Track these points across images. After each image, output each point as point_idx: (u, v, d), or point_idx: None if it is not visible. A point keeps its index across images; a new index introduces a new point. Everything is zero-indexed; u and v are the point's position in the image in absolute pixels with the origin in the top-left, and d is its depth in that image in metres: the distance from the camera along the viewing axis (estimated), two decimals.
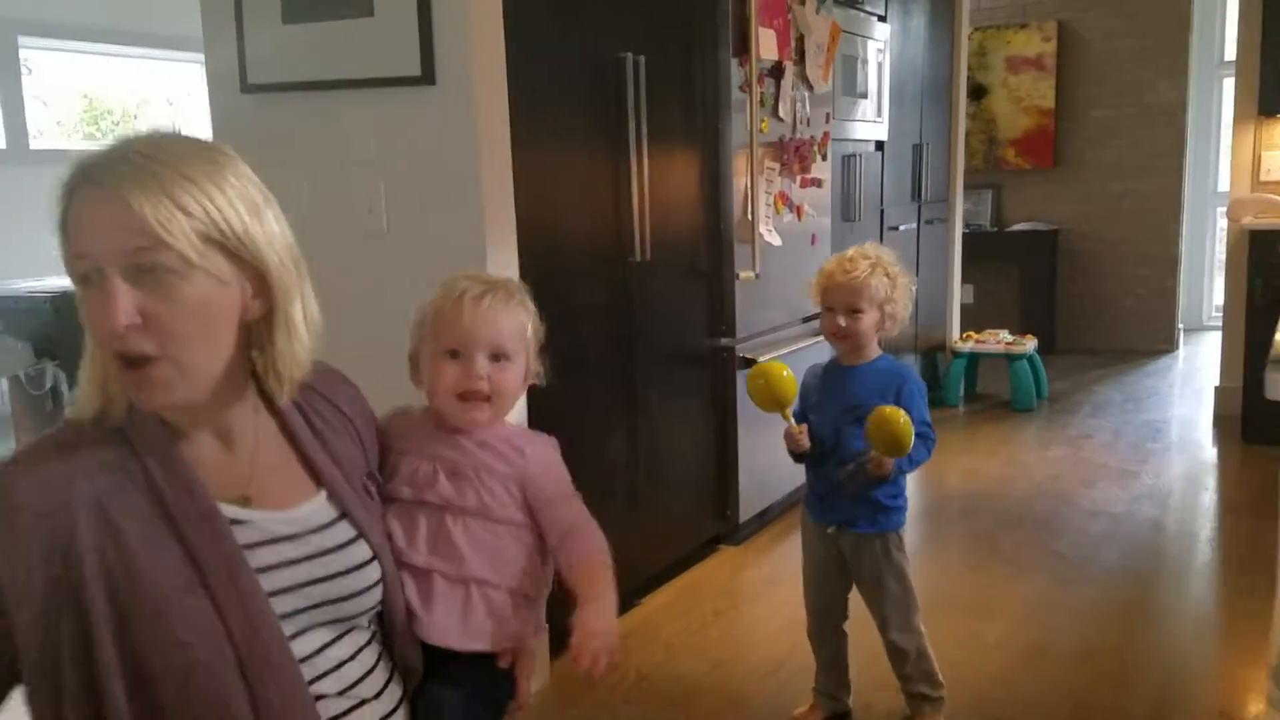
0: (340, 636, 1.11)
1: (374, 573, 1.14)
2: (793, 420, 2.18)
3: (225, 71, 2.53)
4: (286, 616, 1.04)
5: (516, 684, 1.33)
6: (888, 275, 2.19)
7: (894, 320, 2.22)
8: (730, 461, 3.48)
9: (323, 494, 1.14)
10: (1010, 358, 5.50)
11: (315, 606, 1.07)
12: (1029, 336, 5.69)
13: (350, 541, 1.13)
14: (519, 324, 1.33)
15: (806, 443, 2.17)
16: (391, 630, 1.19)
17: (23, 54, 5.69)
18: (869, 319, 2.19)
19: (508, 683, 1.32)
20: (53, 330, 4.29)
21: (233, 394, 1.07)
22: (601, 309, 2.90)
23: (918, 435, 2.16)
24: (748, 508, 3.56)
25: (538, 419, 2.57)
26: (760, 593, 3.21)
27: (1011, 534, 3.64)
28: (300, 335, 1.08)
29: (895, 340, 4.94)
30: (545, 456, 1.34)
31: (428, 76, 2.30)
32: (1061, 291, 7.15)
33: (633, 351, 3.05)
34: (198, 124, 6.51)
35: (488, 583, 1.26)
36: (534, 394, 2.55)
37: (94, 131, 6.41)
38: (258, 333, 1.06)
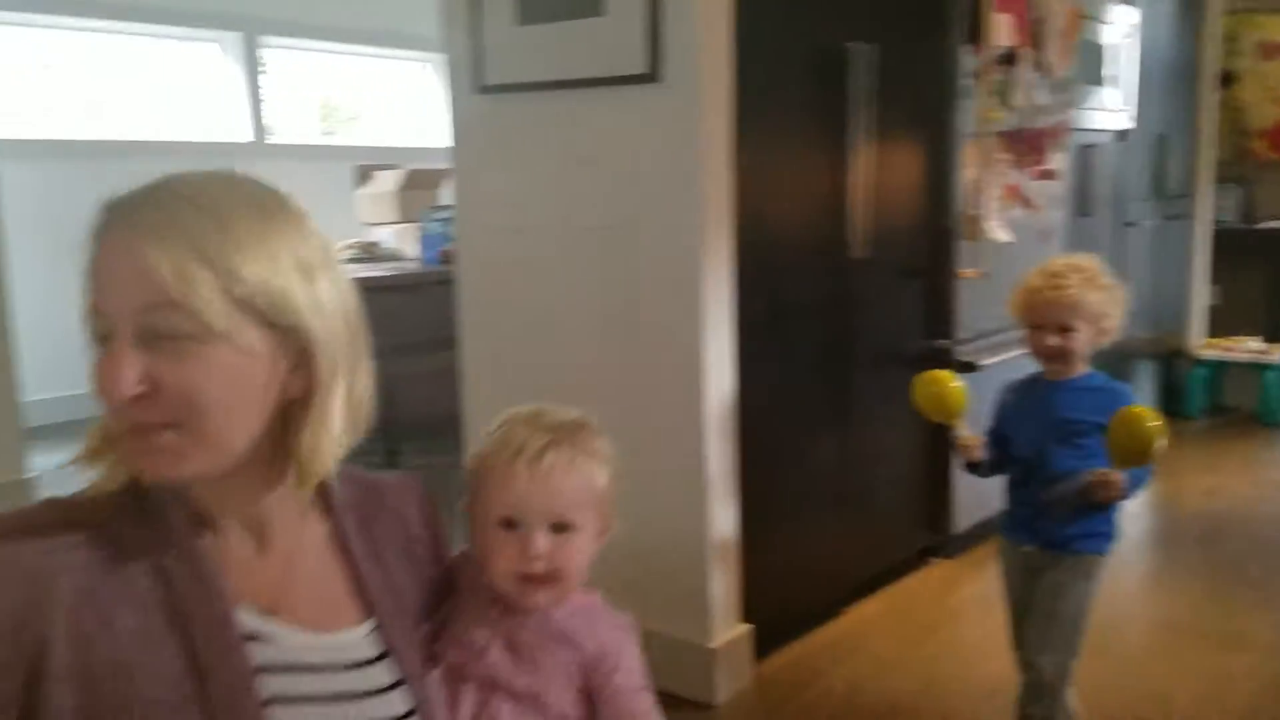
0: None
1: None
2: (965, 430, 2.11)
3: (462, 72, 2.61)
4: None
5: None
6: (1101, 288, 2.03)
7: (1108, 335, 2.06)
8: (945, 469, 3.33)
9: (367, 625, 0.95)
10: (1260, 368, 5.05)
11: None
12: None
13: (389, 688, 0.94)
14: (586, 483, 1.09)
15: (978, 453, 2.12)
16: None
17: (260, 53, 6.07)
18: (1084, 336, 2.03)
19: None
20: None
21: (269, 481, 0.90)
22: (816, 306, 2.83)
23: None
24: (963, 519, 3.40)
25: (748, 420, 2.53)
26: (976, 610, 3.05)
27: (1260, 559, 3.33)
28: (331, 428, 0.89)
29: (1126, 346, 4.65)
30: (618, 641, 1.12)
31: (654, 74, 2.30)
32: None
33: (846, 351, 2.96)
34: (422, 121, 6.83)
35: None
36: (745, 395, 2.53)
37: (326, 127, 6.83)
38: (293, 414, 0.89)
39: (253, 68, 5.96)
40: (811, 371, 2.85)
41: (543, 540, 1.06)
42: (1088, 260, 2.09)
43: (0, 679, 0.76)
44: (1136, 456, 1.86)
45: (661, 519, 2.48)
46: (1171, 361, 5.23)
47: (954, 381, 2.12)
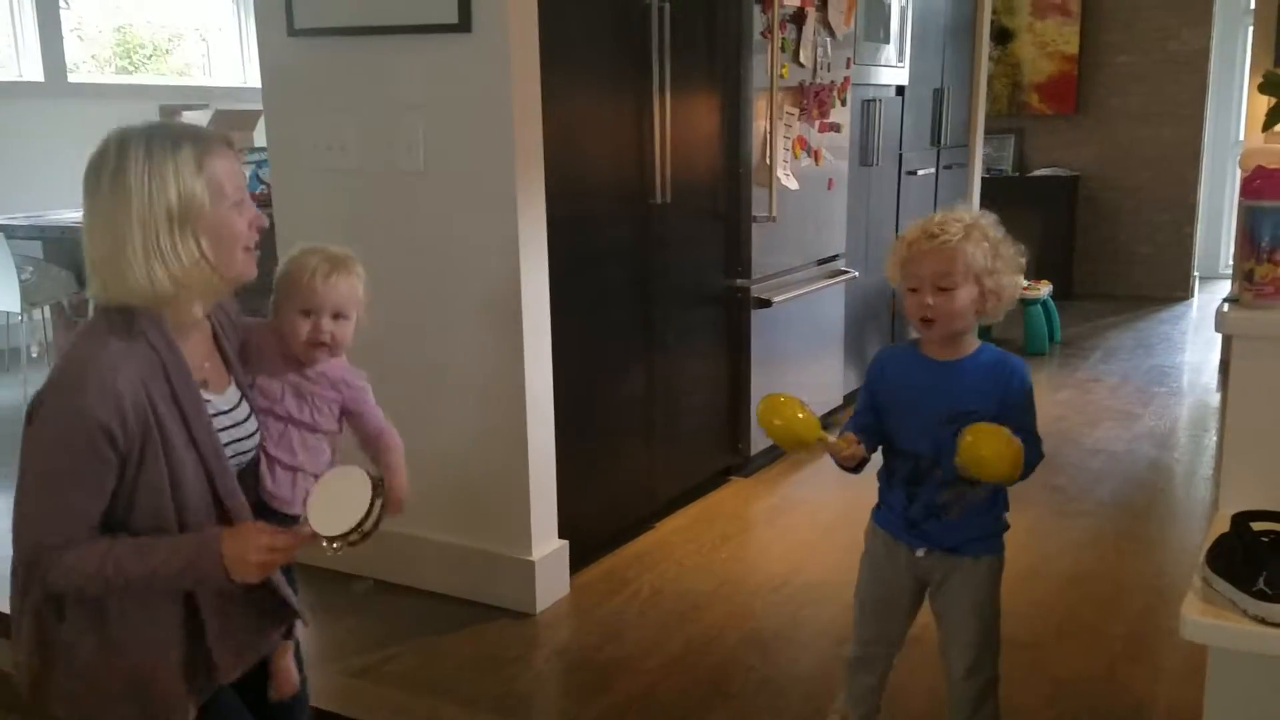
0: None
1: (258, 436, 1.66)
2: (829, 437, 1.79)
3: (273, 15, 2.67)
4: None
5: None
6: (987, 240, 1.75)
7: (998, 299, 1.76)
8: (743, 397, 3.63)
9: (233, 382, 1.62)
10: (1024, 303, 5.61)
11: (232, 457, 1.57)
12: (1043, 282, 5.79)
13: (249, 416, 1.63)
14: (354, 290, 1.75)
15: (862, 450, 1.79)
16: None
17: None
18: (964, 295, 1.73)
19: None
20: None
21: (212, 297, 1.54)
22: (623, 249, 3.04)
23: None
24: (759, 442, 3.72)
25: (563, 353, 2.74)
26: (768, 520, 3.40)
27: None
28: None
29: None
30: (361, 388, 1.79)
31: (464, 24, 2.43)
32: (1080, 238, 7.22)
33: (652, 290, 3.18)
34: (225, 60, 6.63)
35: (307, 471, 1.72)
36: (560, 330, 2.73)
37: (126, 65, 6.54)
38: None
39: (51, 4, 5.66)
40: (621, 308, 3.07)
41: (328, 321, 1.71)
42: (976, 212, 1.82)
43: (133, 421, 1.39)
44: (985, 470, 1.68)
45: (484, 447, 2.67)
46: None
47: (799, 414, 1.79)
